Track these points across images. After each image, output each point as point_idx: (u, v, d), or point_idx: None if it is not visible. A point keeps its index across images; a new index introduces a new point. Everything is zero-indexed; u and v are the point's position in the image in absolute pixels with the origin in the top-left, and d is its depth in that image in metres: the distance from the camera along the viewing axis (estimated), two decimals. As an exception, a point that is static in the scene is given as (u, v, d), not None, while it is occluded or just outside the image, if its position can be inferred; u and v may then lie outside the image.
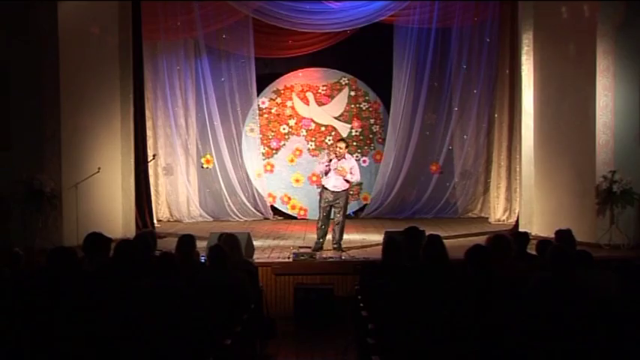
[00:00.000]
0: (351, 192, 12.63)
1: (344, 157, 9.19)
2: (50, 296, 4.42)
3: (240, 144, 12.92)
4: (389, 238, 6.03)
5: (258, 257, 8.25)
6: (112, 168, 10.46)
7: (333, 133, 12.92)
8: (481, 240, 6.50)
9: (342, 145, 9.27)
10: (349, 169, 9.18)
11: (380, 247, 6.08)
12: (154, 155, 11.98)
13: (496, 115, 12.50)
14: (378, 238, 9.39)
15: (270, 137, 13.09)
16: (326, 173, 9.21)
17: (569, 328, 3.84)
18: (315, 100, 13.11)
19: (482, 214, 12.89)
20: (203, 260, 6.24)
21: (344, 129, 13.10)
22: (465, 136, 12.87)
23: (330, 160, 9.16)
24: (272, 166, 13.10)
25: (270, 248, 9.45)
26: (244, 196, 12.87)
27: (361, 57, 12.87)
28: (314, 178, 12.91)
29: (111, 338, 3.86)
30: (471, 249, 4.95)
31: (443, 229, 10.97)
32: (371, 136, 13.15)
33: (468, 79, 12.73)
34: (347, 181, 9.20)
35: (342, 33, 12.53)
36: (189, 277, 5.12)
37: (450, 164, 13.00)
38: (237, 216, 12.80)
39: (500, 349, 3.80)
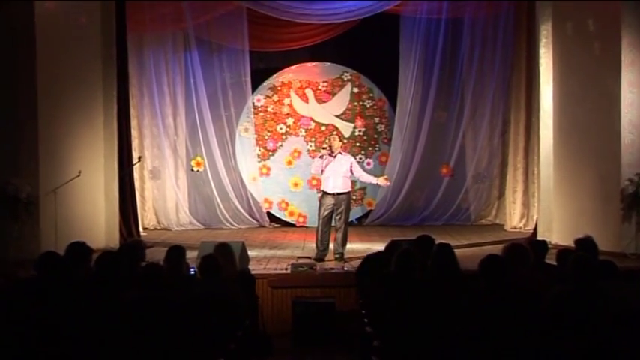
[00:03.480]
0: (354, 196, 12.69)
1: (340, 153, 9.20)
2: (40, 308, 4.42)
3: (233, 145, 12.93)
4: (397, 245, 6.04)
5: (253, 268, 8.24)
6: (93, 172, 10.46)
7: (334, 133, 12.89)
8: (496, 249, 6.49)
9: (336, 137, 9.36)
10: (348, 165, 9.17)
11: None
12: (139, 158, 11.99)
13: (512, 114, 12.50)
14: (383, 247, 9.38)
15: (266, 138, 13.10)
16: (322, 173, 9.21)
17: (591, 344, 3.84)
18: (315, 98, 13.13)
19: (497, 221, 12.89)
20: (193, 272, 6.24)
21: (346, 128, 13.12)
22: (478, 136, 12.89)
23: (322, 156, 9.15)
24: (268, 169, 13.12)
25: (266, 258, 9.45)
26: (238, 201, 12.87)
27: (365, 50, 12.89)
28: (314, 182, 12.91)
29: (89, 355, 3.86)
30: (485, 259, 4.96)
31: (454, 237, 10.97)
32: (376, 136, 13.17)
33: (481, 74, 12.75)
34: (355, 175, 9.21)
35: (344, 24, 12.54)
36: (178, 290, 5.13)
37: (461, 166, 13.01)
38: (231, 223, 12.81)
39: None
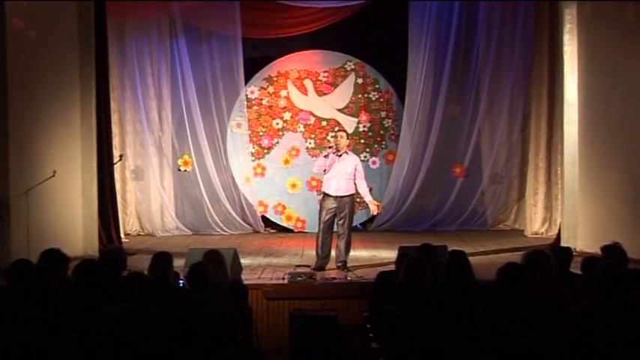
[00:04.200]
0: (358, 199, 12.65)
1: (346, 153, 9.20)
2: (11, 322, 4.43)
3: (224, 142, 12.94)
4: (404, 254, 6.05)
5: (246, 278, 8.25)
6: (70, 171, 10.46)
7: (336, 129, 12.93)
8: (515, 257, 6.49)
9: (342, 134, 9.29)
10: (353, 166, 9.17)
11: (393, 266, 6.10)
12: (120, 156, 11.98)
13: (532, 107, 12.51)
14: (390, 255, 9.40)
15: (261, 134, 13.11)
16: (325, 171, 9.21)
17: (621, 362, 3.84)
18: (315, 89, 13.14)
19: (517, 226, 12.91)
20: (182, 283, 6.25)
21: (349, 123, 13.12)
22: (495, 132, 12.90)
23: (327, 155, 9.15)
24: (263, 168, 13.12)
25: (261, 267, 9.45)
26: (230, 204, 12.88)
27: (370, 37, 12.90)
28: (314, 183, 12.92)
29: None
30: (503, 268, 4.96)
31: (469, 243, 10.97)
32: (382, 132, 13.18)
33: (499, 63, 12.75)
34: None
35: (347, 8, 12.56)
36: (164, 303, 5.13)
37: (477, 166, 13.02)
38: (221, 229, 12.82)
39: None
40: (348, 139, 9.38)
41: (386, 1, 12.18)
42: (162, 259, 5.97)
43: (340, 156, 9.17)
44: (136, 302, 4.92)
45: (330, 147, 9.27)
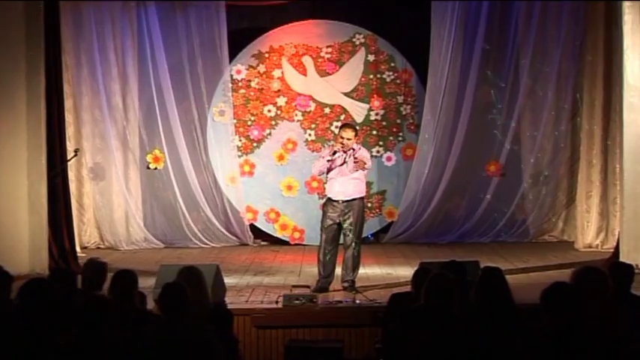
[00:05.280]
0: (369, 203, 12.69)
1: (352, 148, 9.17)
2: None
3: (204, 134, 12.94)
4: (426, 270, 6.04)
5: (231, 302, 8.24)
6: (13, 170, 10.45)
7: (342, 117, 12.94)
8: (563, 275, 6.48)
9: (350, 133, 9.22)
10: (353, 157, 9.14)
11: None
12: (76, 151, 11.98)
13: (585, 90, 12.49)
14: (409, 272, 9.36)
15: (250, 124, 13.11)
16: (327, 172, 9.20)
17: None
18: (316, 69, 13.13)
19: (565, 237, 12.91)
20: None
21: (359, 111, 13.12)
22: (538, 121, 12.89)
23: (334, 153, 9.12)
24: (252, 166, 13.13)
25: (250, 288, 9.46)
26: (211, 210, 12.88)
27: (384, 4, 12.90)
28: (314, 184, 12.92)
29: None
30: (548, 289, 4.95)
31: (506, 258, 10.97)
32: (399, 121, 13.17)
33: (543, 37, 12.74)
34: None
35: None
36: (129, 331, 5.13)
37: (515, 163, 13.01)
38: (201, 240, 12.83)
39: None
40: (354, 131, 9.31)
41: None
42: (124, 279, 5.97)
43: (346, 152, 9.14)
44: (96, 331, 4.91)
45: (340, 144, 9.10)
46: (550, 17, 12.74)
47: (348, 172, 9.14)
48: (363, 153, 9.24)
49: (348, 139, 9.12)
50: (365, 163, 9.10)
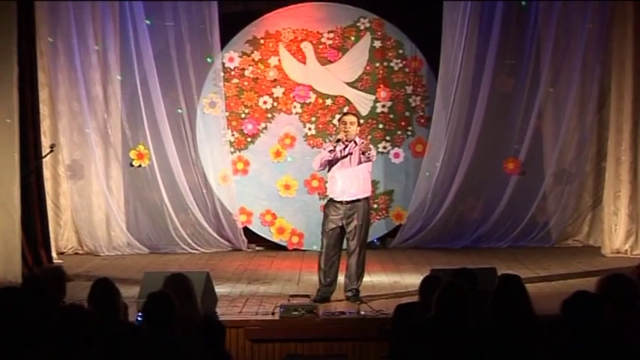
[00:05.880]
0: (375, 204, 12.70)
1: (355, 142, 9.18)
2: None
3: (193, 128, 12.96)
4: (437, 279, 6.06)
5: (223, 313, 8.27)
6: (-17, 168, 10.48)
7: (345, 109, 12.95)
8: (588, 284, 6.49)
9: (352, 119, 9.25)
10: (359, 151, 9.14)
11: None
12: (52, 146, 11.98)
13: (613, 79, 12.49)
14: (418, 280, 9.36)
15: (243, 116, 13.13)
16: (329, 167, 9.22)
17: None
18: (317, 56, 13.15)
19: (591, 242, 12.93)
20: (140, 319, 6.27)
21: (363, 102, 13.14)
22: (561, 114, 12.90)
23: (338, 141, 9.11)
24: (246, 163, 13.14)
25: (244, 298, 9.47)
26: (200, 212, 12.90)
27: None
28: (315, 184, 12.94)
29: None
30: (572, 299, 4.97)
31: (526, 265, 11.01)
32: (407, 113, 13.19)
33: (567, 21, 12.76)
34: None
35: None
36: (111, 345, 5.15)
37: (536, 160, 13.03)
38: (190, 245, 12.84)
39: None
40: (359, 125, 9.33)
41: None
42: (104, 288, 5.99)
43: (347, 146, 9.15)
44: (74, 346, 4.94)
45: (338, 140, 9.13)
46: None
47: (352, 165, 9.12)
48: (360, 144, 9.24)
49: (351, 123, 9.16)
50: (370, 150, 9.09)
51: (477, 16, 12.74)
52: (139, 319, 6.30)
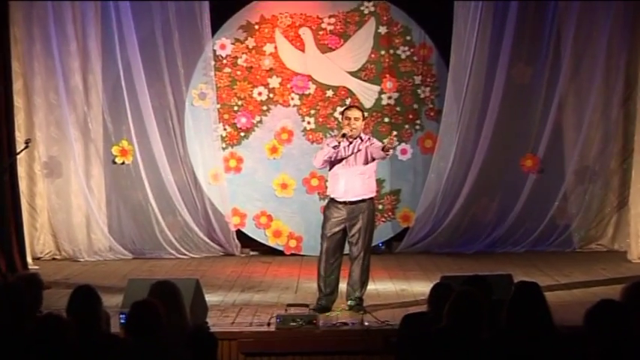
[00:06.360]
0: (380, 205, 12.70)
1: (359, 138, 9.17)
2: None
3: (181, 122, 12.97)
4: (447, 287, 6.06)
5: (215, 323, 8.27)
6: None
7: (347, 101, 12.95)
8: (613, 292, 6.49)
9: (357, 113, 9.26)
10: (365, 148, 9.13)
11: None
12: (27, 141, 11.97)
13: (640, 70, 12.55)
14: (428, 288, 9.37)
15: (236, 109, 13.13)
16: (331, 166, 9.22)
17: None
18: (317, 43, 13.15)
19: (616, 247, 12.95)
20: (122, 319, 6.27)
21: (368, 94, 13.14)
22: (583, 107, 12.90)
23: (344, 136, 9.10)
24: (239, 160, 13.15)
25: (237, 307, 9.48)
26: (189, 214, 12.91)
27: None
28: (314, 182, 12.94)
29: None
30: (595, 308, 4.97)
31: (545, 272, 11.02)
32: (416, 106, 13.20)
33: (589, 4, 12.74)
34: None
35: None
36: (91, 359, 5.15)
37: (557, 157, 13.04)
38: (178, 250, 12.86)
39: None
40: (364, 118, 9.34)
41: None
42: (85, 296, 5.99)
43: (351, 143, 9.16)
44: (51, 356, 4.94)
45: (343, 135, 9.12)
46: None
47: (358, 162, 9.12)
48: (377, 144, 9.23)
49: (356, 119, 9.15)
50: (392, 148, 9.11)
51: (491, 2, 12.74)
52: (122, 321, 6.31)
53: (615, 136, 12.98)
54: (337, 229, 9.20)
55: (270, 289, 10.54)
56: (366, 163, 9.14)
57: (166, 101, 12.92)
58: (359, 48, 13.17)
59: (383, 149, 8.96)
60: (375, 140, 9.28)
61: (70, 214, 12.88)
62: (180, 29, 12.85)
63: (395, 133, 9.27)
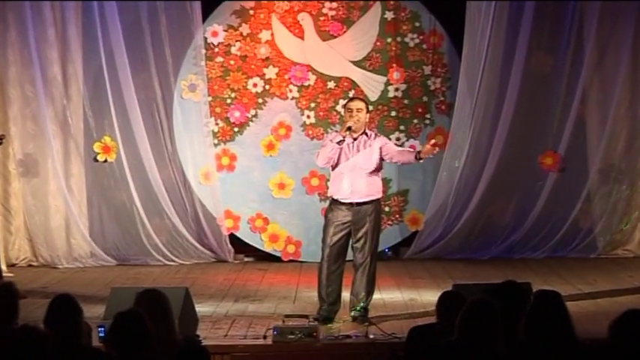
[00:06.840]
0: (387, 208, 12.71)
1: (365, 134, 9.19)
2: None
3: (169, 116, 12.98)
4: (458, 297, 6.06)
5: (206, 336, 8.30)
6: None
7: (350, 93, 12.97)
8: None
9: (359, 104, 9.27)
10: (378, 154, 9.11)
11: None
12: (0, 137, 12.00)
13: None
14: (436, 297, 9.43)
15: (229, 102, 13.15)
16: (332, 167, 9.24)
17: None
18: (317, 30, 13.16)
19: (643, 253, 12.98)
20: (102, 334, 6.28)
21: (373, 85, 13.16)
22: (608, 100, 12.91)
23: (349, 129, 9.11)
24: (232, 157, 13.15)
25: (230, 319, 9.50)
26: (178, 217, 12.93)
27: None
28: (314, 182, 12.95)
29: None
30: (620, 319, 4.98)
31: (566, 280, 11.04)
32: (425, 98, 13.21)
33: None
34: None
35: None
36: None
37: (579, 154, 13.07)
38: (165, 256, 12.87)
39: None
40: (368, 112, 9.36)
41: None
42: (64, 306, 6.00)
43: (356, 139, 9.18)
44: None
45: (349, 128, 9.14)
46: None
47: (366, 162, 9.15)
48: (382, 141, 9.25)
49: (359, 110, 9.17)
50: (436, 147, 9.21)
51: (507, -14, 12.79)
52: (101, 334, 6.32)
53: (642, 134, 13.01)
54: (341, 233, 9.22)
55: (267, 299, 10.56)
56: (377, 163, 9.17)
57: (153, 93, 12.93)
58: (363, 35, 13.18)
59: (416, 157, 9.04)
60: (387, 140, 9.31)
61: (48, 216, 12.89)
62: (169, 14, 12.86)
63: (434, 141, 9.24)
